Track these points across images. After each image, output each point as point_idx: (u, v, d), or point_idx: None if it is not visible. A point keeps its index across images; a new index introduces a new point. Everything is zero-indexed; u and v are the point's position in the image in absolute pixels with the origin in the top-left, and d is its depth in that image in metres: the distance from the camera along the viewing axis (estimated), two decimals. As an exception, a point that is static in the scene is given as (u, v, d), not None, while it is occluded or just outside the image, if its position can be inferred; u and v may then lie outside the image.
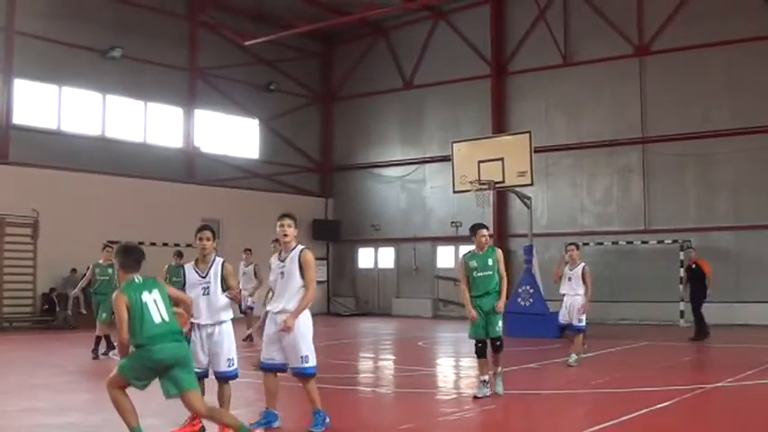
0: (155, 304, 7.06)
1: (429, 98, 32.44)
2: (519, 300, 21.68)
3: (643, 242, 26.89)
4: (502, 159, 22.45)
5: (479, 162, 22.79)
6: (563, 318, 14.96)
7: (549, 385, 12.44)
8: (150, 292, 7.10)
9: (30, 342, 20.16)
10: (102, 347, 16.18)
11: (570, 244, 15.26)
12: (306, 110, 34.99)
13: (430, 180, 32.17)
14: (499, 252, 11.05)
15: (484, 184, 22.57)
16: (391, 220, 33.14)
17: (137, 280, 7.14)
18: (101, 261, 16.62)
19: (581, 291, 14.54)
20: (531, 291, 21.54)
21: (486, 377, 10.68)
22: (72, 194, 25.38)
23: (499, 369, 10.97)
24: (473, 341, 10.80)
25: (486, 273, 10.80)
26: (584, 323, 14.66)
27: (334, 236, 34.19)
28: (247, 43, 30.20)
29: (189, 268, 8.46)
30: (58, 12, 26.37)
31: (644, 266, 26.95)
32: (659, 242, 26.49)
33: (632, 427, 8.95)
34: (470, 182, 22.81)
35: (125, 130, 28.67)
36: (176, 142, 30.40)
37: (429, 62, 32.31)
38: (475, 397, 10.56)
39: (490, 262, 10.84)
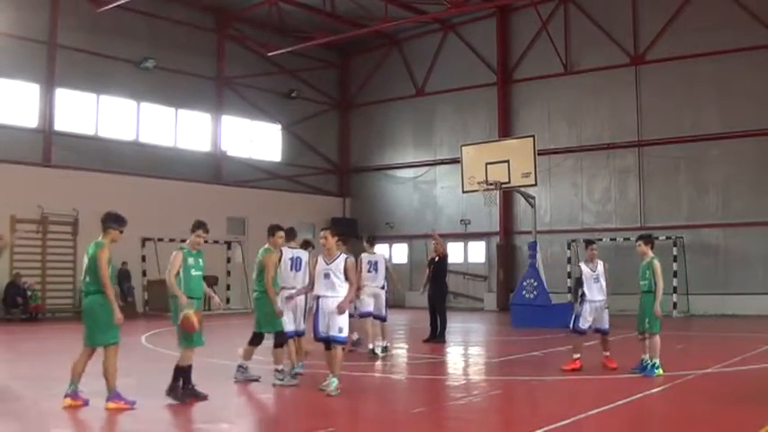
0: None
1: (439, 104, 32.43)
2: (524, 292, 21.65)
3: (639, 238, 26.80)
4: (507, 161, 22.51)
5: (486, 164, 22.85)
6: (323, 328, 9.89)
7: (552, 372, 12.42)
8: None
9: (71, 331, 20.20)
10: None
11: (323, 229, 10.34)
12: (325, 116, 35.04)
13: (440, 181, 32.16)
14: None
15: (491, 184, 22.60)
16: (404, 218, 33.14)
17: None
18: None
19: (342, 291, 9.87)
20: (535, 284, 21.49)
21: None
22: (108, 194, 25.28)
23: None
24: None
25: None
26: (345, 333, 9.95)
27: (352, 233, 34.11)
28: (271, 54, 30.33)
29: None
30: (97, 26, 26.50)
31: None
32: (654, 238, 26.39)
33: (631, 410, 8.96)
34: (478, 182, 22.87)
35: (157, 135, 28.83)
36: (205, 146, 30.51)
37: (439, 71, 32.30)
38: None
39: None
